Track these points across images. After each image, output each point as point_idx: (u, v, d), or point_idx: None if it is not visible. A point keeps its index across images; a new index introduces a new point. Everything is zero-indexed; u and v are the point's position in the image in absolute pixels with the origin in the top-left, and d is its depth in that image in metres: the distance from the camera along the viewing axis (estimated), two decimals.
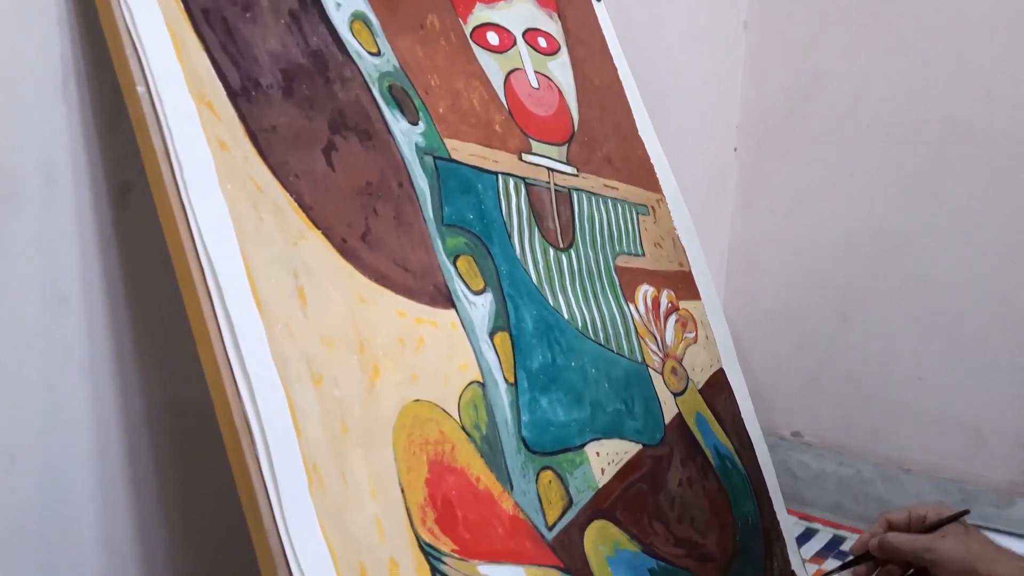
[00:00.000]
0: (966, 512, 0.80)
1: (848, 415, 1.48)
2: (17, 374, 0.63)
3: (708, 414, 0.96)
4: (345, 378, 0.60)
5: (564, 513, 0.74)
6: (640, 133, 1.03)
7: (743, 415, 1.01)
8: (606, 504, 0.78)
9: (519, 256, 0.81)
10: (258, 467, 0.53)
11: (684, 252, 1.03)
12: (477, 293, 0.75)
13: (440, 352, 0.69)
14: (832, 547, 1.35)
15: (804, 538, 1.39)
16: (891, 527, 0.81)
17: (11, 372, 0.62)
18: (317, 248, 0.63)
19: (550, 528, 0.72)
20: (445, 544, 0.63)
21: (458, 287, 0.73)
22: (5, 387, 0.62)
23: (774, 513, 0.99)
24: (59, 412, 0.66)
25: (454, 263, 0.74)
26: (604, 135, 0.97)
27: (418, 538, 0.61)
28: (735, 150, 1.59)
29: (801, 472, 1.52)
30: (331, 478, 0.57)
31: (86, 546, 0.68)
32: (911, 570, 0.80)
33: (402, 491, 0.62)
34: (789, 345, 1.54)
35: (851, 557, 0.84)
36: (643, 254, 0.97)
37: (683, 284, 1.01)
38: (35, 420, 0.64)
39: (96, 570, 0.69)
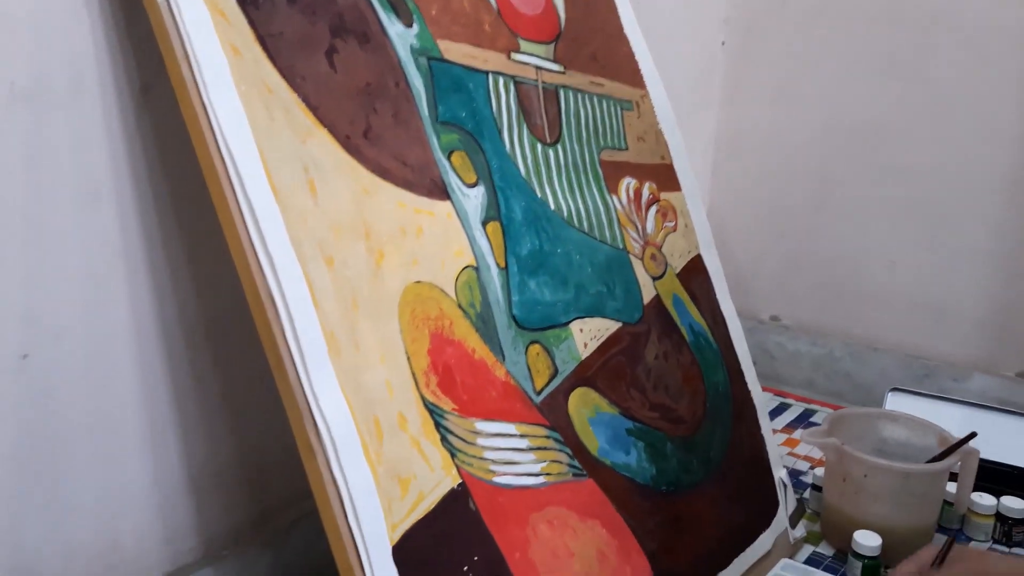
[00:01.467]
0: (973, 435, 0.84)
1: (823, 299, 1.58)
2: (60, 268, 0.71)
3: (684, 295, 1.04)
4: (354, 260, 0.68)
5: (550, 381, 0.83)
6: (625, 31, 1.07)
7: (717, 296, 1.09)
8: (588, 374, 0.88)
9: (509, 151, 0.87)
10: (283, 335, 0.62)
11: (667, 146, 1.10)
12: (470, 186, 0.82)
13: (437, 239, 0.76)
14: (803, 419, 1.47)
15: (778, 411, 1.51)
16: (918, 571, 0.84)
17: (54, 266, 0.70)
18: (324, 144, 0.70)
19: (538, 393, 0.81)
20: (446, 403, 0.72)
21: (453, 180, 0.80)
22: (49, 280, 0.70)
23: (745, 383, 1.08)
24: (99, 299, 0.74)
25: (448, 158, 0.80)
26: (590, 33, 1.02)
27: (423, 398, 0.70)
28: (723, 44, 1.63)
29: (778, 353, 1.63)
30: (346, 345, 0.65)
31: (128, 414, 0.78)
32: None
33: (408, 358, 0.70)
34: (770, 233, 1.62)
35: None
36: (626, 148, 1.03)
37: (665, 176, 1.08)
38: (78, 306, 0.73)
39: (139, 437, 0.79)
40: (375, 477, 0.64)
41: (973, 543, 1.10)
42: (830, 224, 1.55)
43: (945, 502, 1.10)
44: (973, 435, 1.02)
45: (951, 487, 1.11)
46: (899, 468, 1.00)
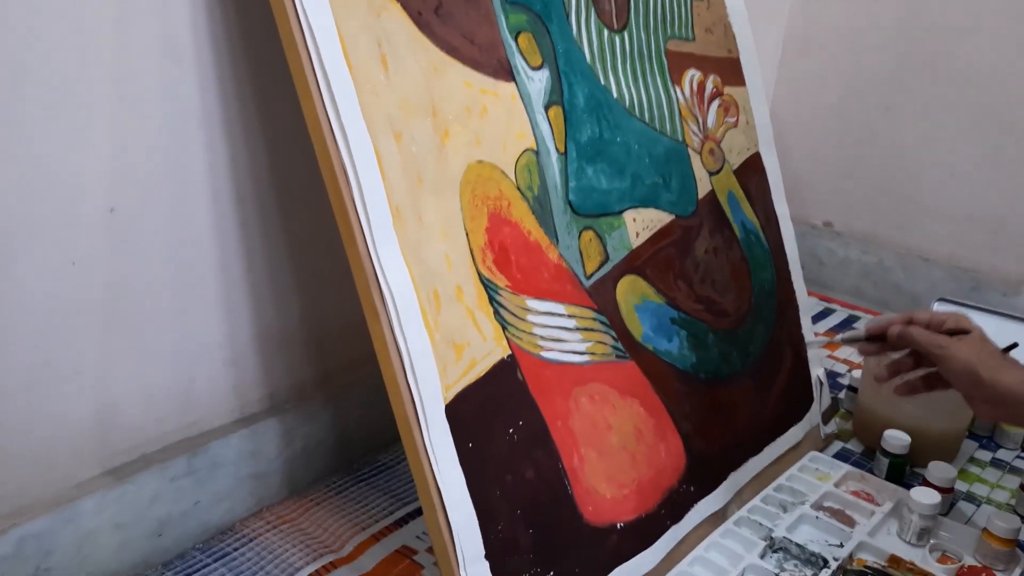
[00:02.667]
0: (1014, 346, 0.82)
1: (878, 207, 1.57)
2: (144, 125, 0.74)
3: (739, 193, 1.05)
4: (421, 137, 0.71)
5: (601, 266, 0.86)
6: None
7: (773, 196, 1.10)
8: (638, 263, 0.90)
9: (575, 35, 0.87)
10: (353, 206, 0.65)
11: (734, 39, 1.08)
12: (535, 69, 0.83)
13: (500, 120, 0.78)
14: (846, 324, 1.49)
15: (822, 315, 1.53)
16: (912, 322, 0.82)
17: (139, 123, 0.74)
18: (397, 18, 0.71)
19: (588, 277, 0.85)
20: (500, 280, 0.76)
21: (518, 62, 0.81)
22: (134, 137, 0.74)
23: (791, 284, 1.10)
24: (180, 159, 0.78)
25: (515, 39, 0.81)
26: None
27: (479, 273, 0.74)
28: None
29: (827, 259, 1.63)
30: (410, 218, 0.69)
31: (204, 272, 0.83)
32: (920, 366, 0.83)
33: (467, 235, 0.74)
34: (831, 136, 1.60)
35: (865, 334, 0.86)
36: (694, 39, 1.02)
37: (730, 70, 1.07)
38: (160, 163, 0.77)
39: (213, 295, 0.85)
40: (432, 341, 0.69)
41: (1002, 450, 1.13)
42: (893, 130, 1.51)
43: None
44: (1015, 345, 1.03)
45: None
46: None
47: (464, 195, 0.74)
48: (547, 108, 0.83)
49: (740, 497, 0.96)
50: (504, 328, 0.75)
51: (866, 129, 1.55)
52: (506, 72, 0.80)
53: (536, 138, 0.81)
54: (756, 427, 1.00)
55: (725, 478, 0.94)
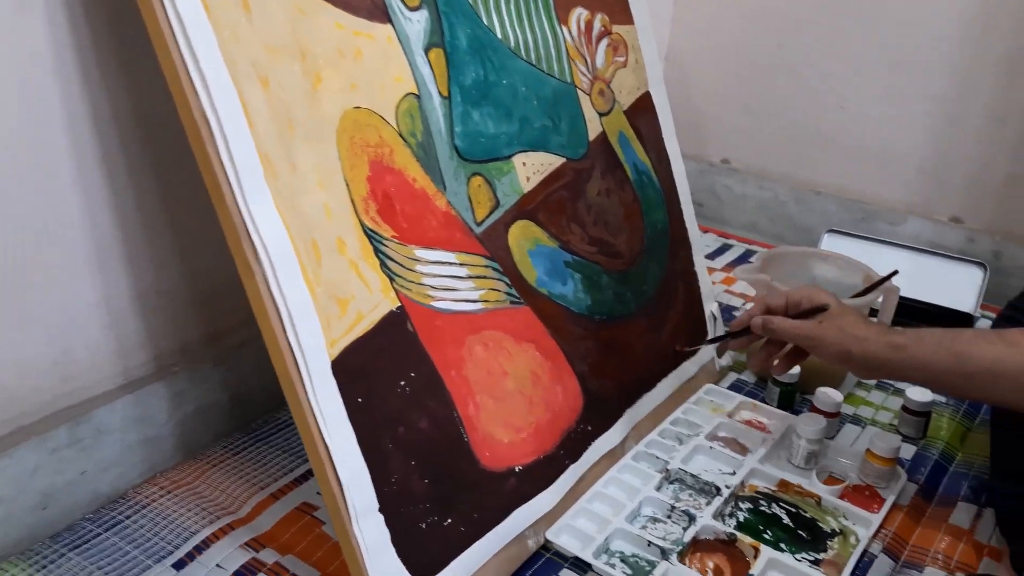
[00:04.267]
0: (894, 274, 0.85)
1: (773, 143, 1.60)
2: None
3: (630, 133, 1.05)
4: (289, 82, 0.68)
5: (491, 212, 0.85)
6: None
7: (664, 135, 1.10)
8: (530, 207, 0.90)
9: None
10: (217, 156, 0.62)
11: None
12: (413, 9, 0.80)
13: (377, 64, 0.75)
14: (743, 259, 1.53)
15: (720, 251, 1.57)
16: (769, 311, 0.84)
17: None
18: None
19: (478, 224, 0.84)
20: (386, 231, 0.74)
21: (394, 3, 0.78)
22: None
23: (683, 223, 1.12)
24: (35, 115, 0.73)
25: None
26: None
27: (362, 224, 0.72)
28: None
29: (725, 195, 1.67)
30: (282, 167, 0.66)
31: (73, 233, 0.79)
32: (788, 346, 0.85)
33: (347, 184, 0.71)
34: (728, 75, 1.61)
35: (728, 331, 0.88)
36: None
37: (618, 8, 1.06)
38: (12, 119, 0.71)
39: (85, 256, 0.80)
40: (313, 296, 0.67)
41: None
42: (788, 67, 1.54)
43: None
44: (894, 273, 1.07)
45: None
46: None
47: (342, 142, 0.72)
48: (427, 50, 0.80)
49: (638, 432, 0.98)
50: (392, 280, 0.74)
51: (761, 66, 1.57)
52: (381, 13, 0.77)
53: (417, 82, 0.79)
54: (652, 364, 1.02)
55: (622, 415, 0.96)
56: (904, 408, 1.05)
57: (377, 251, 0.73)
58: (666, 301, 1.06)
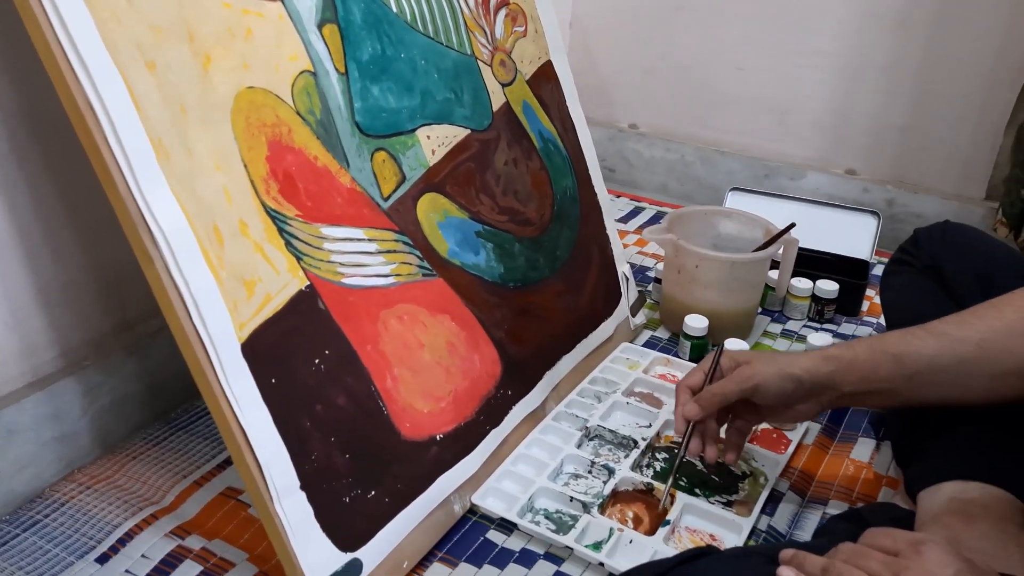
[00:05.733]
0: (721, 347, 0.83)
1: (677, 105, 1.64)
2: None
3: (534, 102, 1.07)
4: (178, 64, 0.66)
5: (398, 187, 0.86)
6: None
7: (568, 103, 1.12)
8: (437, 179, 0.91)
9: None
10: (106, 143, 0.61)
11: None
12: None
13: (269, 42, 0.74)
14: (655, 221, 1.57)
15: (633, 214, 1.60)
16: (694, 391, 0.82)
17: None
18: None
19: (385, 199, 0.84)
20: (289, 210, 0.74)
21: None
22: None
23: (592, 188, 1.14)
24: None
25: None
26: None
27: (264, 204, 0.72)
28: None
29: (635, 160, 1.70)
30: (176, 152, 0.65)
31: None
32: (729, 416, 0.83)
33: (245, 166, 0.71)
34: (631, 41, 1.64)
35: (681, 439, 0.82)
36: None
37: None
38: None
39: None
40: (218, 280, 0.66)
41: (790, 322, 1.24)
42: (686, 29, 1.57)
43: (767, 287, 1.23)
44: (792, 226, 1.12)
45: (773, 274, 1.23)
46: (725, 258, 1.11)
47: (237, 124, 0.71)
48: (320, 27, 0.80)
49: (558, 393, 1.01)
50: (299, 259, 0.74)
51: (661, 30, 1.60)
52: None
53: (312, 59, 0.78)
54: (569, 326, 1.05)
55: (542, 378, 0.98)
56: None
57: (282, 231, 0.73)
58: (582, 264, 1.09)
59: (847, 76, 1.46)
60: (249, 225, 0.70)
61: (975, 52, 1.35)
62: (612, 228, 1.17)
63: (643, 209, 1.62)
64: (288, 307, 0.72)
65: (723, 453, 0.83)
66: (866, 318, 1.26)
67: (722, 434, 0.85)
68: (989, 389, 0.73)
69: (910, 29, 1.39)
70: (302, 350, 0.73)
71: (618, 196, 1.66)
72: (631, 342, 1.16)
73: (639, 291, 1.22)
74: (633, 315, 1.18)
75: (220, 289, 0.67)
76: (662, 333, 1.21)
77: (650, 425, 0.98)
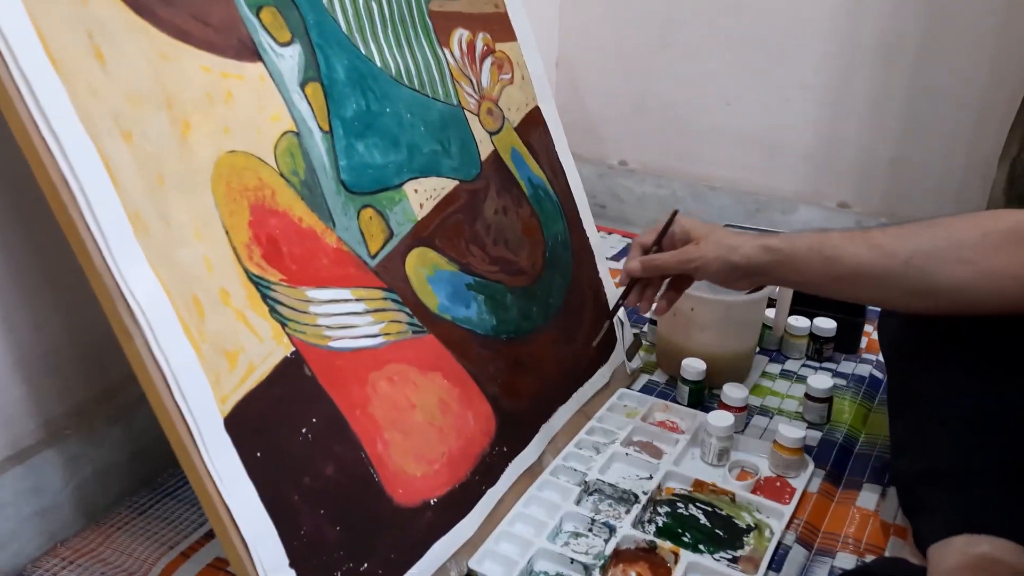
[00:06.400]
0: (675, 212, 0.91)
1: (666, 141, 1.63)
2: None
3: (523, 149, 1.05)
4: (155, 133, 0.65)
5: (386, 243, 0.84)
6: None
7: (556, 148, 1.11)
8: (425, 234, 0.89)
9: (327, 4, 0.83)
10: (82, 218, 0.59)
11: None
12: (284, 45, 0.78)
13: (250, 105, 0.73)
14: None
15: (625, 252, 1.59)
16: (644, 251, 0.90)
17: None
18: (109, 5, 0.64)
19: (373, 257, 0.82)
20: (273, 275, 0.72)
21: (263, 39, 0.76)
22: None
23: (584, 231, 1.13)
24: None
25: (257, 15, 0.76)
26: None
27: (246, 271, 0.70)
28: None
29: (625, 196, 1.69)
30: (154, 224, 0.63)
31: None
32: (667, 280, 0.92)
33: (227, 232, 0.69)
34: (617, 77, 1.64)
35: (622, 291, 0.92)
36: None
37: (499, 26, 1.05)
38: None
39: None
40: (198, 353, 0.64)
41: (789, 361, 1.22)
42: (673, 65, 1.57)
43: (764, 326, 1.21)
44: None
45: (770, 312, 1.22)
46: (721, 300, 1.09)
47: (218, 189, 0.69)
48: (303, 86, 0.78)
49: (555, 446, 0.98)
50: (284, 325, 0.72)
51: (647, 67, 1.60)
52: (250, 52, 0.74)
53: (295, 119, 0.77)
54: (564, 376, 1.03)
55: (538, 431, 0.96)
56: (807, 396, 1.08)
57: (265, 297, 0.71)
58: (576, 310, 1.07)
59: (836, 108, 1.46)
60: (231, 293, 0.68)
61: (963, 83, 1.35)
62: (605, 270, 1.15)
63: None
64: (273, 376, 0.70)
65: (657, 305, 0.91)
66: (865, 355, 1.24)
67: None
68: (906, 305, 0.81)
69: (898, 60, 1.39)
70: (288, 420, 0.70)
71: (609, 233, 1.64)
72: (628, 387, 1.13)
73: (634, 333, 1.20)
74: (629, 359, 1.16)
75: (201, 362, 0.64)
76: (659, 376, 1.18)
77: (651, 477, 0.95)
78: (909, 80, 1.39)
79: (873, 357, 1.23)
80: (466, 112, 0.97)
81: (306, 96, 0.78)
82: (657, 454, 1.00)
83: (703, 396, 1.10)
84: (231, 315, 0.68)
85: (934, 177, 1.42)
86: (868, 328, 1.26)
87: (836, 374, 1.19)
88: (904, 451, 0.88)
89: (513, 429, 0.92)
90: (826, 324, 1.21)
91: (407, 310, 0.84)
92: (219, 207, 0.69)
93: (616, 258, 1.54)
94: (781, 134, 1.51)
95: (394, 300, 0.83)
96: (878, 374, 1.19)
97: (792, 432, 0.95)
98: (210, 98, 0.70)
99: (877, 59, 1.40)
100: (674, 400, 1.11)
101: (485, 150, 0.99)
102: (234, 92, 0.72)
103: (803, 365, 1.22)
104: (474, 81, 1.00)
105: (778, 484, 0.96)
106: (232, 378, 0.67)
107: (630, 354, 1.17)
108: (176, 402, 0.62)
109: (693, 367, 1.09)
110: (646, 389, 1.15)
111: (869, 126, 1.45)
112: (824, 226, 1.51)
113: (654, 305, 0.92)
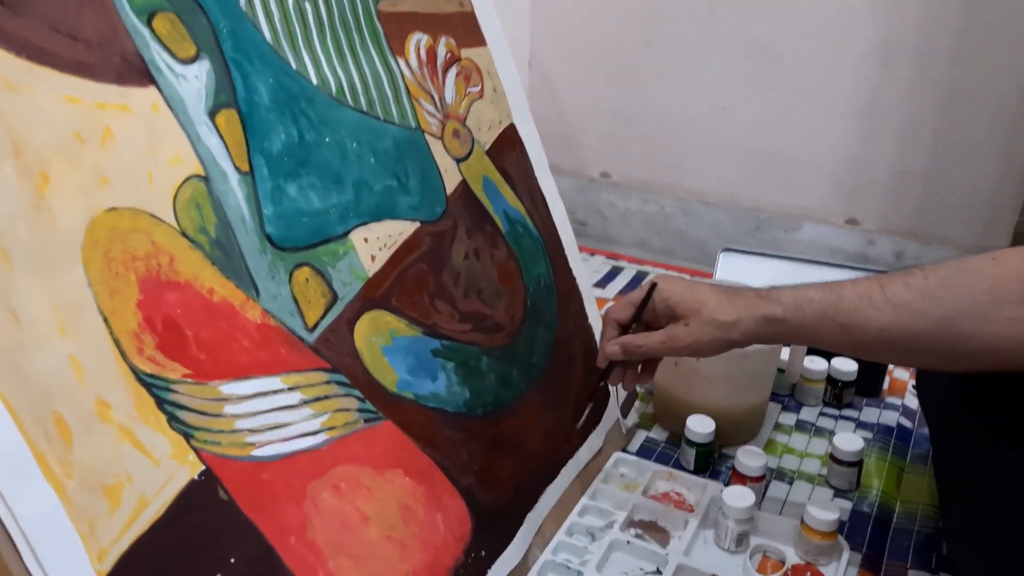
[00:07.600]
0: (654, 286, 0.76)
1: (653, 151, 1.47)
2: None
3: (496, 177, 0.88)
4: None
5: (328, 311, 0.67)
6: None
7: (536, 171, 0.94)
8: (379, 293, 0.72)
9: (245, 8, 0.65)
10: None
11: None
12: (187, 62, 0.60)
13: (138, 144, 0.55)
14: (635, 284, 1.39)
15: (610, 276, 1.43)
16: (621, 328, 0.77)
17: None
18: None
19: (311, 330, 0.65)
20: (173, 371, 0.54)
21: (157, 56, 0.58)
22: None
23: (570, 271, 0.96)
24: None
25: (149, 24, 0.58)
26: None
27: (134, 370, 0.52)
28: None
29: (609, 212, 1.53)
30: None
31: None
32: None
33: (105, 320, 0.51)
34: (598, 82, 1.47)
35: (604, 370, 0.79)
36: None
37: (464, 28, 0.88)
38: None
39: None
40: (62, 496, 0.47)
41: (804, 409, 1.07)
42: (660, 66, 1.41)
43: (777, 369, 1.06)
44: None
45: (784, 354, 1.06)
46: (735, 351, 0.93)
47: (92, 263, 0.51)
48: (213, 114, 0.60)
49: (542, 537, 0.82)
50: (188, 437, 0.54)
51: (631, 69, 1.43)
52: (138, 73, 0.56)
53: (201, 159, 0.59)
54: (551, 450, 0.86)
55: (522, 523, 0.79)
56: (833, 458, 0.93)
57: (162, 403, 0.53)
58: (564, 367, 0.90)
59: (847, 116, 1.31)
60: (111, 404, 0.50)
61: (996, 89, 1.20)
62: (595, 316, 0.99)
63: (621, 269, 1.44)
64: (174, 509, 0.52)
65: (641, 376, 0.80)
66: (889, 398, 1.09)
67: None
68: (943, 366, 0.72)
69: (922, 65, 1.24)
70: (198, 564, 0.53)
71: (592, 254, 1.48)
72: (624, 448, 0.97)
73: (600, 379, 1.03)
74: (624, 415, 1.00)
75: (67, 508, 0.47)
76: (658, 433, 1.02)
77: (658, 570, 0.79)
78: (935, 86, 1.24)
79: (898, 402, 1.08)
80: (427, 136, 0.80)
81: (217, 128, 0.61)
82: (664, 539, 0.84)
83: (712, 460, 0.95)
84: (112, 435, 0.50)
85: (960, 192, 1.27)
86: (891, 366, 1.11)
87: (859, 424, 1.04)
88: (965, 544, 0.73)
89: (493, 526, 0.75)
90: (846, 366, 1.06)
91: (357, 393, 0.67)
92: (94, 287, 0.51)
93: (601, 284, 1.38)
94: (783, 144, 1.35)
95: (340, 383, 0.66)
96: (906, 423, 1.04)
97: (824, 515, 0.80)
98: (79, 139, 0.52)
99: (899, 63, 1.25)
100: (677, 464, 0.95)
101: (451, 181, 0.82)
102: (115, 129, 0.54)
103: (820, 414, 1.07)
104: (436, 97, 0.82)
105: (809, 575, 0.80)
106: (114, 523, 0.49)
107: (625, 410, 1.01)
108: (29, 573, 0.45)
109: (700, 428, 0.93)
110: (644, 451, 0.99)
111: (886, 135, 1.29)
112: (832, 245, 1.36)
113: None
